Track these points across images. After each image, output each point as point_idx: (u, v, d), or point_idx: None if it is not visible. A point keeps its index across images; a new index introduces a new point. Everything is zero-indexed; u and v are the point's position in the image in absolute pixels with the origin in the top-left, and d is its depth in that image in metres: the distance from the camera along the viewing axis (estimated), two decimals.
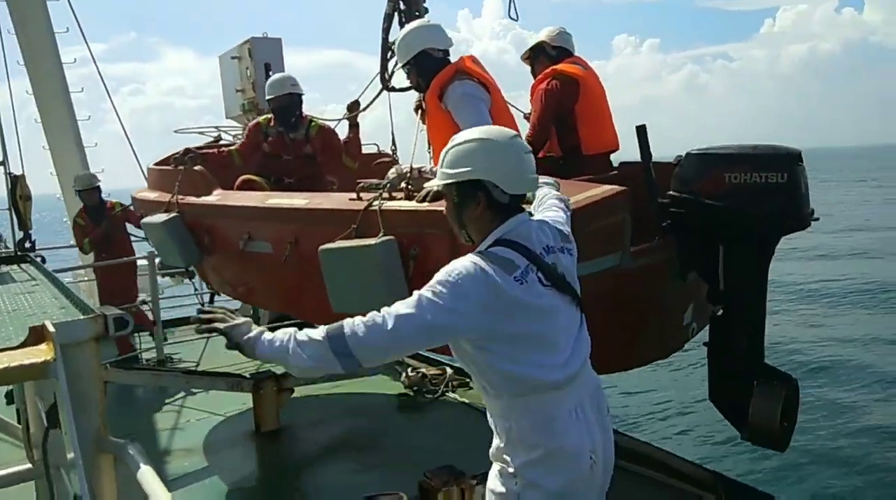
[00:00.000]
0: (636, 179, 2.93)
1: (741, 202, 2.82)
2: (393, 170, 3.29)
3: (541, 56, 4.09)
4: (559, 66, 3.93)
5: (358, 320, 1.86)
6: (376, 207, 3.09)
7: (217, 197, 4.36)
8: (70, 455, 2.15)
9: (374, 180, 3.34)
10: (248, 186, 4.61)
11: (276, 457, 4.75)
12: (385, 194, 3.15)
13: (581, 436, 2.00)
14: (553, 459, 1.97)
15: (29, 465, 2.93)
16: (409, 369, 5.92)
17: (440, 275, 1.89)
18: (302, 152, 4.84)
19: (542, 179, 2.56)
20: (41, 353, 1.74)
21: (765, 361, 3.08)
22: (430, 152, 3.86)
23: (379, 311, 1.87)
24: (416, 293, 1.87)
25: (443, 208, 2.74)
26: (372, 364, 1.96)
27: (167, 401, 5.92)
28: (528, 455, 1.99)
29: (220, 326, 1.93)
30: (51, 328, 1.76)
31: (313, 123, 4.90)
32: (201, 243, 4.51)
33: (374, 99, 4.54)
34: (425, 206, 2.97)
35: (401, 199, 3.11)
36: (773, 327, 13.45)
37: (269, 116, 4.90)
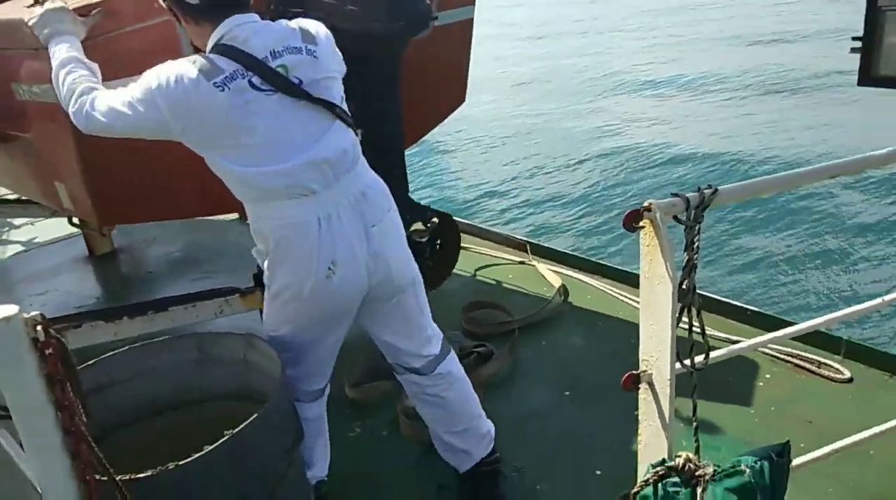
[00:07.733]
0: None
1: None
2: None
3: None
4: None
5: (98, 95, 1.89)
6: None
7: None
8: None
9: None
10: None
11: (115, 276, 4.76)
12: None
13: (317, 246, 1.89)
14: (284, 264, 1.95)
15: None
16: None
17: (146, 73, 1.83)
18: None
19: None
20: None
21: (409, 194, 2.79)
22: None
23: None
24: (130, 86, 1.84)
25: (21, 17, 2.22)
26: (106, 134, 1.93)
27: None
28: (267, 258, 1.99)
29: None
30: None
31: None
32: None
33: None
34: (5, 17, 2.37)
35: (33, 5, 2.30)
36: None
37: None
